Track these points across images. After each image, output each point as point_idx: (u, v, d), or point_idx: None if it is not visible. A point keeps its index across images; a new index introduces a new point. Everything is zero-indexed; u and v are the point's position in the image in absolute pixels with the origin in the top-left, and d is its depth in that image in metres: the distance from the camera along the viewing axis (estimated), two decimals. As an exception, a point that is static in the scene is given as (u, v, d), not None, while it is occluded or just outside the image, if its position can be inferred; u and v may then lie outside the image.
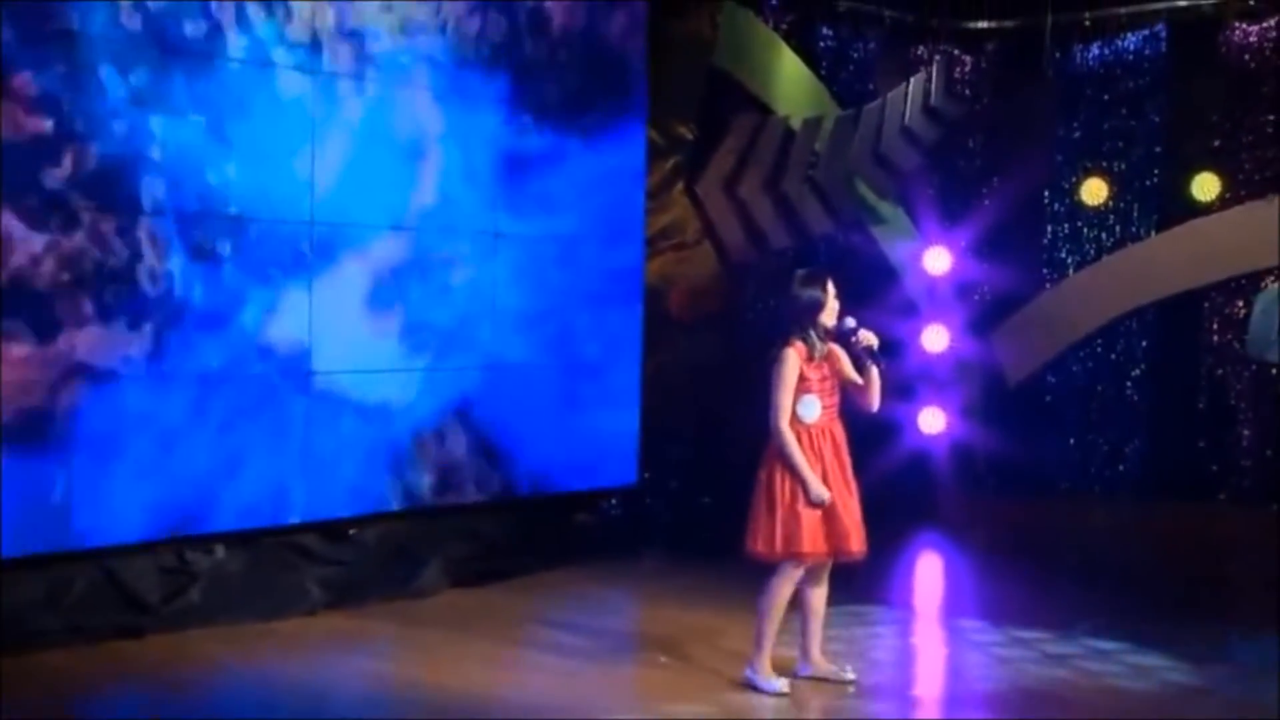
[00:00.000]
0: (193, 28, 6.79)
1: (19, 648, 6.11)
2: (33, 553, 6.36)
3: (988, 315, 11.57)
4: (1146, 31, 11.15)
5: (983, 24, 11.65)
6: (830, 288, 5.82)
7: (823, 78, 10.54)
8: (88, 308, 6.49)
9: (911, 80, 9.92)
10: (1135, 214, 11.35)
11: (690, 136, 9.46)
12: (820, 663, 6.05)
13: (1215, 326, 11.01)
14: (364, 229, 7.58)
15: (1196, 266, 10.87)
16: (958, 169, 11.68)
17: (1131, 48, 11.25)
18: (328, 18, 7.34)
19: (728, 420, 8.62)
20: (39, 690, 5.78)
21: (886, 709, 5.86)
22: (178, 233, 6.80)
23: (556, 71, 8.47)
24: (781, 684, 5.85)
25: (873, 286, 10.22)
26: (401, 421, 7.80)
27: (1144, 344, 11.39)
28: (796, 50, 10.29)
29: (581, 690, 5.94)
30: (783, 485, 5.73)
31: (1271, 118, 10.67)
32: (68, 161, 6.37)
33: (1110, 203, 11.40)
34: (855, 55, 10.92)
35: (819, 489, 5.68)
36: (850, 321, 5.82)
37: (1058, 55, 11.45)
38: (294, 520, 7.38)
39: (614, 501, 9.13)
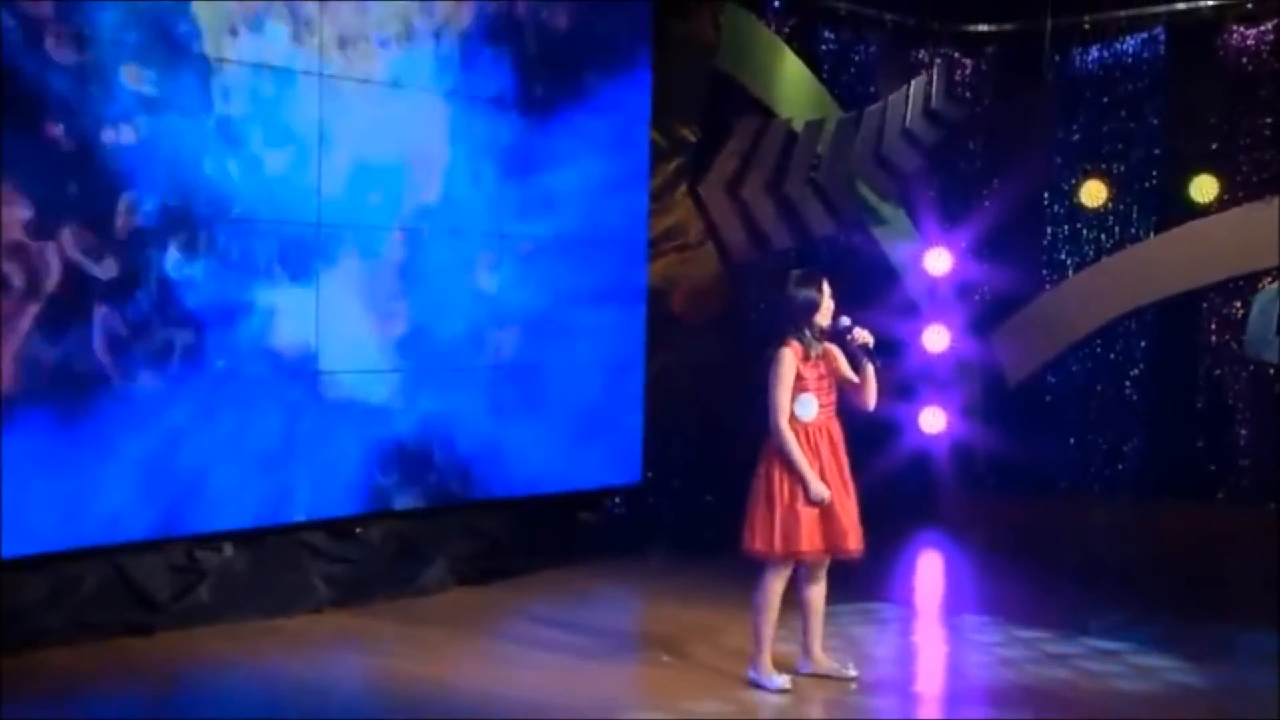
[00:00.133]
0: (199, 28, 6.82)
1: (29, 644, 6.16)
2: (43, 551, 6.40)
3: (988, 316, 11.60)
4: (1145, 35, 11.17)
5: (983, 27, 11.68)
6: (826, 288, 5.85)
7: (824, 80, 10.56)
8: (95, 308, 6.52)
9: (912, 83, 9.97)
10: (1134, 215, 11.38)
11: (693, 139, 9.51)
12: (822, 660, 6.09)
13: (1214, 327, 11.03)
14: (370, 230, 7.62)
15: (1195, 267, 10.90)
16: (958, 171, 11.70)
17: (1130, 51, 11.27)
18: (335, 19, 7.37)
19: (730, 420, 8.65)
20: (47, 686, 5.82)
21: (888, 705, 5.89)
22: (186, 234, 6.83)
23: (560, 73, 8.51)
24: (784, 681, 5.89)
25: (874, 287, 10.27)
26: (407, 421, 7.84)
27: (1143, 344, 11.42)
28: (798, 53, 10.32)
29: (585, 688, 5.97)
30: (781, 484, 5.76)
31: (1269, 120, 10.69)
32: (75, 162, 6.41)
33: (1109, 204, 11.43)
34: (856, 58, 10.92)
35: (819, 487, 5.71)
36: (845, 320, 5.86)
37: (1057, 58, 11.48)
38: (301, 519, 7.41)
39: (618, 500, 9.17)
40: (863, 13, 10.86)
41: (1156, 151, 11.30)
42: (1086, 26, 11.31)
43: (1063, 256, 11.73)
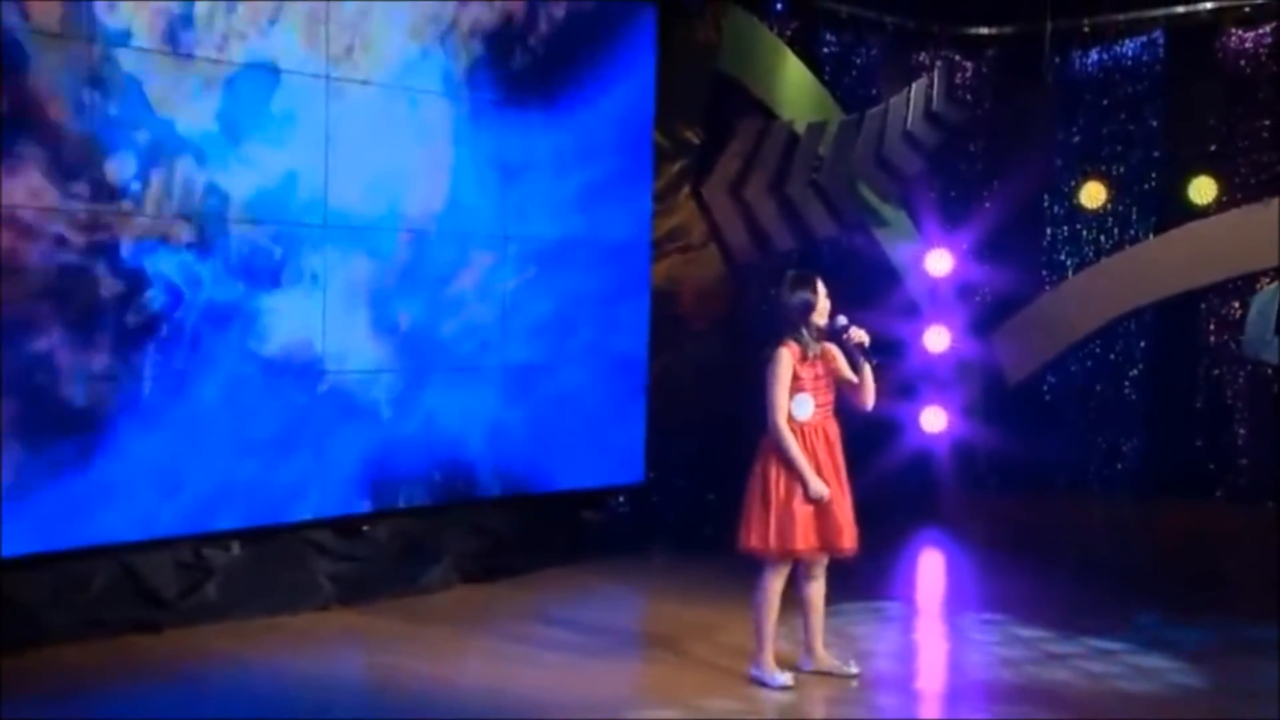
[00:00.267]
0: (207, 32, 6.87)
1: (38, 641, 6.21)
2: (51, 549, 6.44)
3: (988, 316, 11.64)
4: (1144, 38, 11.19)
5: (983, 30, 11.69)
6: (821, 288, 5.89)
7: (826, 83, 10.57)
8: (102, 308, 6.57)
9: (913, 85, 9.97)
10: (1133, 217, 11.40)
11: (696, 141, 9.52)
12: (823, 657, 6.14)
13: (1212, 327, 11.07)
14: (376, 231, 7.67)
15: (1194, 268, 10.94)
16: (959, 173, 11.72)
17: (1130, 54, 11.29)
18: (342, 21, 7.40)
19: (733, 419, 8.68)
20: (56, 683, 5.87)
21: (889, 702, 5.94)
22: (194, 234, 6.88)
23: (564, 76, 8.54)
24: (786, 678, 5.94)
25: (875, 288, 10.31)
26: (412, 420, 7.87)
27: (1142, 344, 11.44)
28: (800, 56, 10.33)
29: (589, 685, 6.01)
30: (777, 482, 5.81)
31: (1267, 122, 10.72)
32: (82, 164, 6.46)
33: (1109, 206, 11.45)
34: (858, 61, 10.92)
35: (817, 485, 5.76)
36: (842, 320, 5.89)
37: (1057, 61, 11.50)
38: (307, 517, 7.44)
39: (621, 499, 9.18)
40: (864, 16, 10.86)
41: (1155, 153, 11.33)
42: (1086, 30, 11.32)
43: (1062, 257, 11.76)
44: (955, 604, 8.07)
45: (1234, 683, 6.29)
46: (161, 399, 6.80)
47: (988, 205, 11.61)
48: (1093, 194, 11.42)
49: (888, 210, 10.56)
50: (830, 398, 5.96)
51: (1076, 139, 11.63)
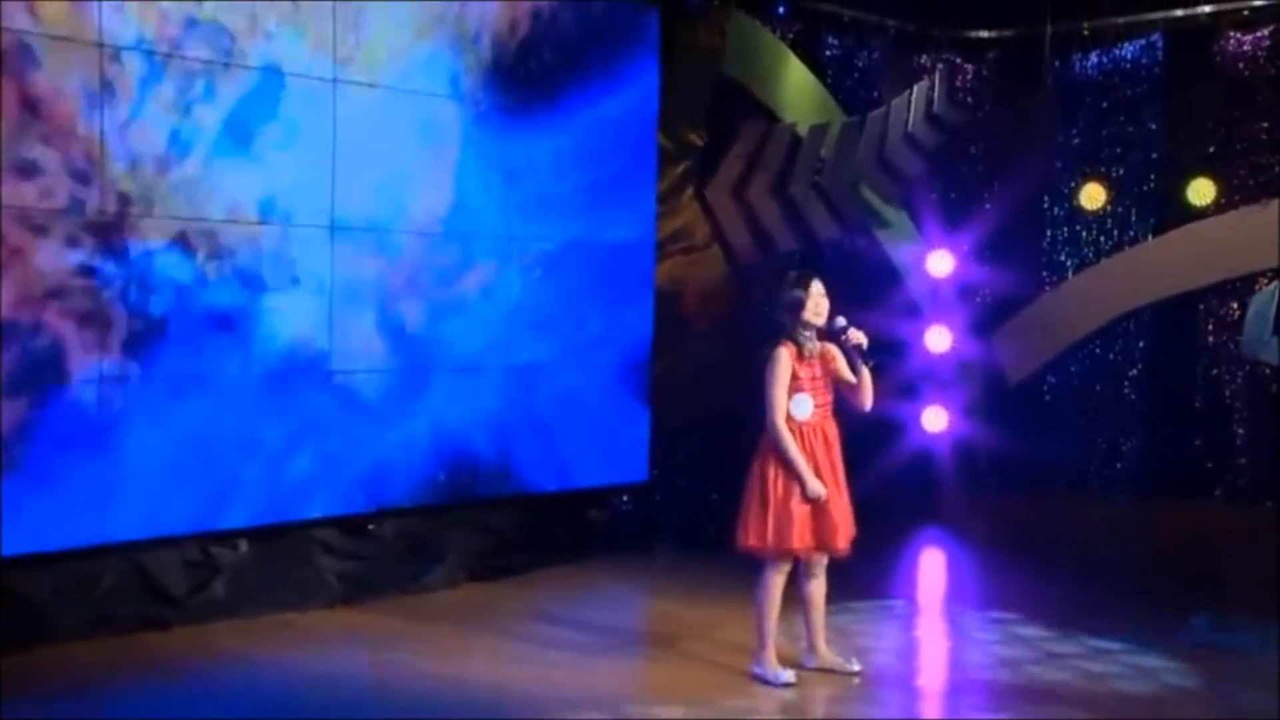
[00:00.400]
0: (215, 35, 6.92)
1: (48, 639, 6.24)
2: (61, 547, 6.49)
3: (989, 317, 11.65)
4: (1143, 41, 11.18)
5: (984, 33, 11.70)
6: (815, 287, 5.90)
7: (828, 86, 10.58)
8: (111, 310, 6.62)
9: (915, 88, 9.99)
10: (1133, 218, 11.39)
11: (700, 143, 9.55)
12: (825, 654, 6.18)
13: (1211, 327, 11.07)
14: (382, 233, 7.72)
15: (1192, 269, 10.95)
16: (960, 174, 11.72)
17: (1129, 56, 11.28)
18: (348, 24, 7.45)
19: (736, 419, 8.70)
20: (66, 680, 5.90)
21: (891, 699, 5.98)
22: (202, 236, 6.93)
23: (569, 79, 8.59)
24: (789, 675, 5.98)
25: (877, 289, 10.35)
26: (417, 420, 7.93)
27: (1141, 345, 11.44)
28: (803, 59, 10.34)
29: (593, 683, 6.04)
30: (775, 481, 5.84)
31: (1265, 124, 10.71)
32: (91, 168, 6.51)
33: (1108, 207, 11.44)
34: (860, 64, 10.92)
35: (815, 484, 5.78)
36: (840, 320, 5.91)
37: (1057, 64, 11.49)
38: (314, 515, 7.50)
39: (625, 498, 9.22)
40: (866, 19, 10.86)
41: (1155, 155, 11.32)
42: (1086, 33, 11.31)
43: (1062, 258, 11.76)
44: (956, 603, 8.08)
45: (1233, 682, 6.29)
46: (170, 398, 6.84)
47: (988, 207, 11.62)
48: (1092, 195, 11.41)
49: (889, 212, 10.58)
50: (829, 398, 5.98)
51: (1076, 141, 11.62)
